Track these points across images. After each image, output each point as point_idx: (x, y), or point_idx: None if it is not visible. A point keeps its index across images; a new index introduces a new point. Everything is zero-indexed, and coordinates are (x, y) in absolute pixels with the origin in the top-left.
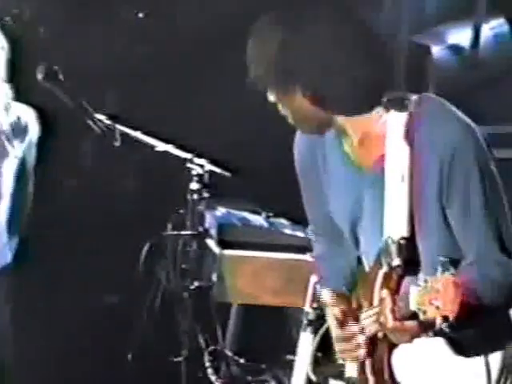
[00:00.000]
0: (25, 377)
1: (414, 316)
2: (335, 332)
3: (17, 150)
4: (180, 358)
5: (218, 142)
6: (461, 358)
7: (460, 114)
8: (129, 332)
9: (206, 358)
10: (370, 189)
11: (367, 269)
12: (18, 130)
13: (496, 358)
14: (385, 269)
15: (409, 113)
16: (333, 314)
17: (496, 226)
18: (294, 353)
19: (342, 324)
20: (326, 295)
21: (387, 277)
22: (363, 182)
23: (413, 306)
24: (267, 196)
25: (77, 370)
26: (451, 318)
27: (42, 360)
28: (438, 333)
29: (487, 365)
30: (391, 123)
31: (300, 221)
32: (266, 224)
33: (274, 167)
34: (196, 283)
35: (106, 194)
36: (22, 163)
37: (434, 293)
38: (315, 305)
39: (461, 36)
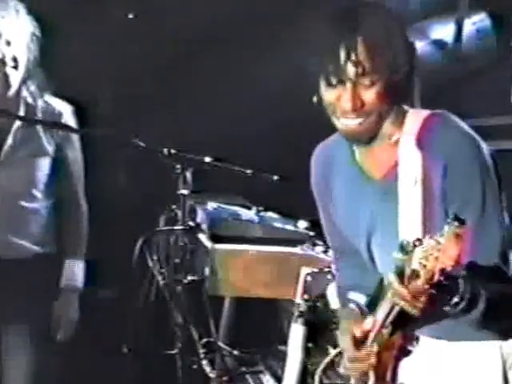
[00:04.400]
0: None
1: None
2: (348, 351)
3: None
4: (174, 351)
5: (208, 139)
6: (466, 366)
7: (468, 128)
8: (124, 326)
9: (200, 350)
10: (383, 200)
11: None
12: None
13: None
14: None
15: (423, 121)
16: (350, 331)
17: (495, 236)
18: (286, 343)
19: (356, 344)
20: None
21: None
22: (376, 193)
23: (415, 264)
24: (257, 190)
25: (73, 364)
26: (449, 268)
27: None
28: (439, 288)
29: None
30: (406, 130)
31: (290, 215)
32: (256, 218)
33: (265, 163)
34: (189, 277)
35: (98, 190)
36: None
37: (437, 245)
38: (306, 296)
39: (444, 31)
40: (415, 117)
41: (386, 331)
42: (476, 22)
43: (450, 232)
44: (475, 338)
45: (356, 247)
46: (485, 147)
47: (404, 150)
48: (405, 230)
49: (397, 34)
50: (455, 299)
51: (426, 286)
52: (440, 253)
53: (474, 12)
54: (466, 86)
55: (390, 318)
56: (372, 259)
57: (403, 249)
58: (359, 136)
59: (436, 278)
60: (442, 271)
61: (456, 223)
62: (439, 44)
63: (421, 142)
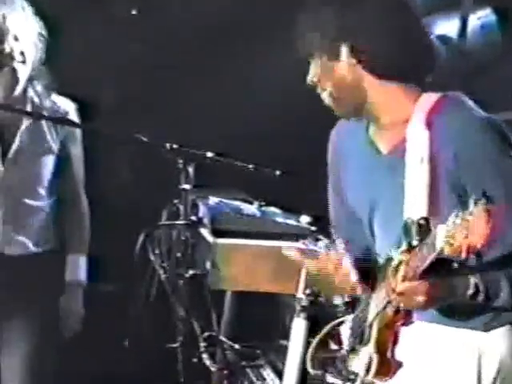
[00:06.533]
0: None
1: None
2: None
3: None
4: (176, 344)
5: (210, 134)
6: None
7: (481, 112)
8: (125, 319)
9: (202, 343)
10: (388, 176)
11: (381, 260)
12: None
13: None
14: (403, 247)
15: (435, 102)
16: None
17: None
18: (287, 338)
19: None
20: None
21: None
22: (382, 168)
23: (440, 243)
24: (259, 185)
25: (74, 357)
26: (479, 246)
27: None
28: (464, 266)
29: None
30: (417, 109)
31: (292, 209)
32: (258, 213)
33: (267, 157)
34: (190, 271)
35: (101, 185)
36: None
37: (465, 222)
38: (307, 291)
39: (448, 26)
40: (428, 97)
41: (389, 310)
42: (481, 17)
43: (480, 209)
44: (459, 325)
45: (359, 226)
46: (498, 133)
47: (412, 128)
48: (410, 207)
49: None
50: (470, 291)
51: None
52: (469, 231)
53: (478, 7)
54: (470, 81)
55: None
56: (373, 235)
57: (407, 228)
58: (354, 117)
59: (463, 255)
60: (470, 249)
61: (484, 200)
62: (443, 39)
63: (430, 123)
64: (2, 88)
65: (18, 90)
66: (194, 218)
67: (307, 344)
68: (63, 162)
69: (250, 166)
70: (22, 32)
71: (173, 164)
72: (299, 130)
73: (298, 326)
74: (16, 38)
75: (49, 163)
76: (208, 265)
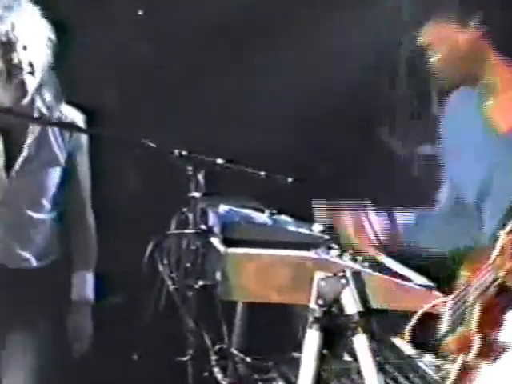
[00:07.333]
0: None
1: None
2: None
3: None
4: (186, 358)
5: (218, 139)
6: None
7: None
8: (134, 332)
9: (212, 356)
10: (505, 154)
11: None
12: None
13: None
14: (509, 228)
15: None
16: None
17: None
18: (300, 350)
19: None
20: None
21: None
22: (498, 146)
23: None
24: (271, 193)
25: (82, 371)
26: None
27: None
28: None
29: None
30: None
31: (304, 218)
32: (269, 221)
33: (279, 164)
34: (200, 282)
35: (108, 193)
36: None
37: None
38: (320, 302)
39: None
40: None
41: (492, 290)
42: None
43: None
44: None
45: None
46: None
47: None
48: None
49: None
50: None
51: None
52: None
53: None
54: None
55: None
56: (479, 211)
57: None
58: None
59: None
60: None
61: None
62: None
63: None
64: (9, 100)
65: (26, 100)
66: (203, 226)
67: (320, 356)
68: (69, 173)
69: (261, 174)
70: (30, 40)
71: (182, 171)
72: (313, 136)
73: (311, 338)
74: (25, 48)
75: (54, 174)
76: (218, 275)
